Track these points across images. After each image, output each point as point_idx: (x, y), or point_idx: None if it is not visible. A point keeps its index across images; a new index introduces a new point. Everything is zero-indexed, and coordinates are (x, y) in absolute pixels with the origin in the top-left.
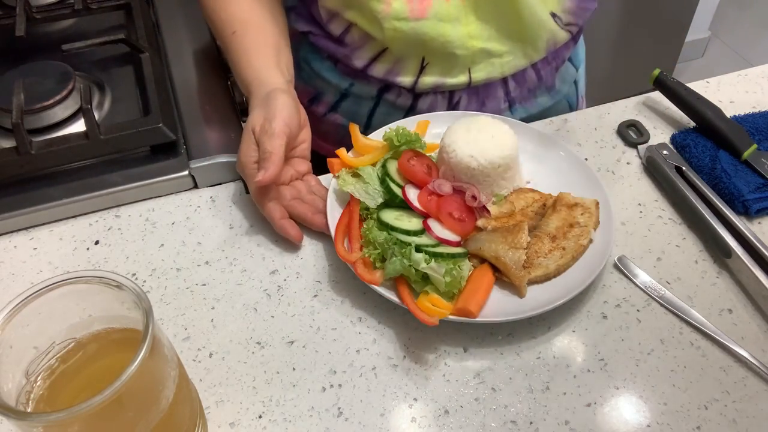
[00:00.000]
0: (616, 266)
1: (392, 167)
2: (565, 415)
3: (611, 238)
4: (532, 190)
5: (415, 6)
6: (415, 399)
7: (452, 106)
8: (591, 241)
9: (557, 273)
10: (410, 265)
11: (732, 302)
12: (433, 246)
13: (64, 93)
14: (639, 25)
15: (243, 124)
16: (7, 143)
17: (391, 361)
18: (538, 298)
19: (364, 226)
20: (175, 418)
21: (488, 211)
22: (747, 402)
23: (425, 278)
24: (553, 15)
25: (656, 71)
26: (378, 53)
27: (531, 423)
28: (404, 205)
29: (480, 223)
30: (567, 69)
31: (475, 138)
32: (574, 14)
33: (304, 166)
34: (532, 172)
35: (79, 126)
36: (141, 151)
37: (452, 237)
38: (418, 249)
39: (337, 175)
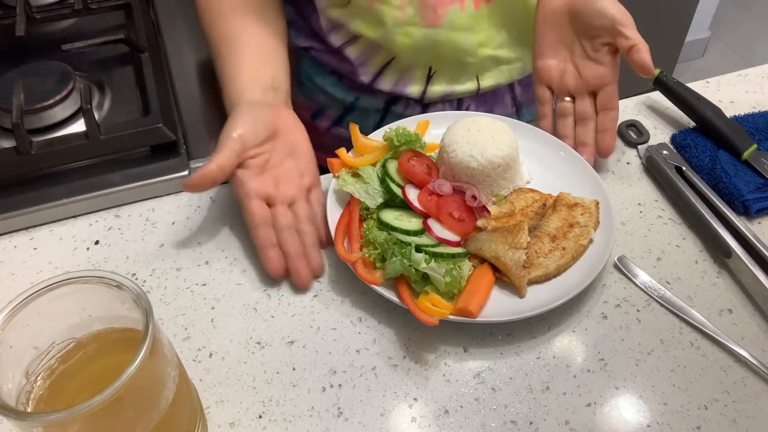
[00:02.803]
0: (616, 266)
1: (392, 167)
2: (565, 415)
3: (611, 238)
4: (533, 190)
5: (428, 13)
6: (415, 399)
7: None
8: (591, 241)
9: (557, 273)
10: (410, 265)
11: (732, 302)
12: (433, 246)
13: (64, 93)
14: (639, 25)
15: None
16: (7, 143)
17: (391, 361)
18: (538, 298)
19: (364, 226)
20: (175, 418)
21: (488, 211)
22: (747, 402)
23: (425, 278)
24: None
25: (656, 71)
26: (383, 65)
27: (531, 423)
28: (404, 205)
29: (480, 223)
30: None
31: (475, 138)
32: None
33: (308, 177)
34: (533, 172)
35: (79, 126)
36: (141, 151)
37: (452, 237)
38: (418, 249)
39: (336, 175)
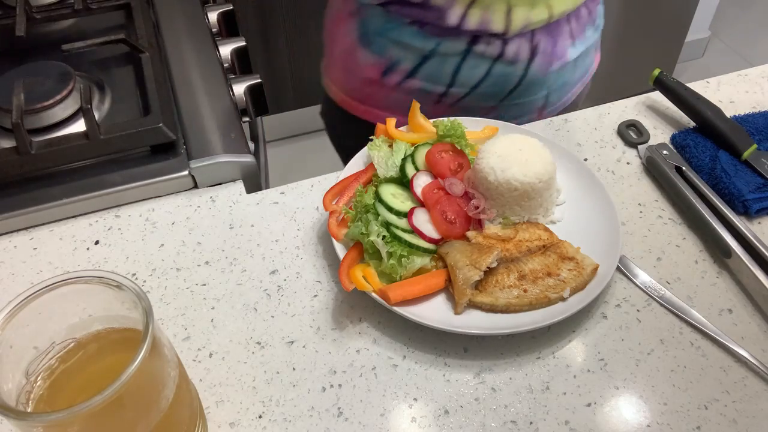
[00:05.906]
0: (616, 266)
1: (421, 152)
2: (565, 415)
3: (619, 241)
4: (546, 230)
5: None
6: (415, 399)
7: (533, 47)
8: (562, 298)
9: (505, 310)
10: (363, 233)
11: (732, 302)
12: (404, 231)
13: (64, 93)
14: (639, 25)
15: (243, 124)
16: (7, 143)
17: (391, 361)
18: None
19: (359, 187)
20: (175, 418)
21: (481, 226)
22: (747, 402)
23: (379, 255)
24: None
25: (656, 71)
26: (467, 6)
27: (531, 423)
28: (409, 188)
29: (469, 234)
30: (600, 8)
31: (507, 153)
32: None
33: None
34: (565, 215)
35: (79, 126)
36: (141, 151)
37: (431, 233)
38: (388, 227)
39: (372, 138)
